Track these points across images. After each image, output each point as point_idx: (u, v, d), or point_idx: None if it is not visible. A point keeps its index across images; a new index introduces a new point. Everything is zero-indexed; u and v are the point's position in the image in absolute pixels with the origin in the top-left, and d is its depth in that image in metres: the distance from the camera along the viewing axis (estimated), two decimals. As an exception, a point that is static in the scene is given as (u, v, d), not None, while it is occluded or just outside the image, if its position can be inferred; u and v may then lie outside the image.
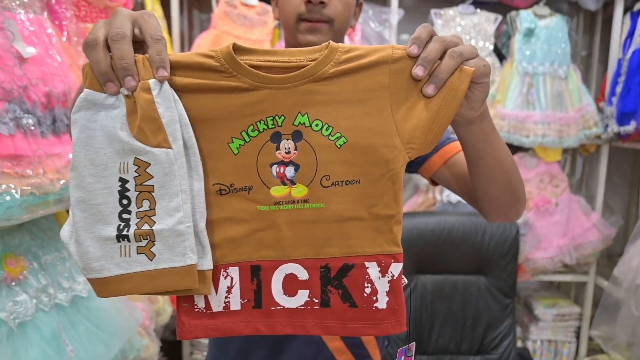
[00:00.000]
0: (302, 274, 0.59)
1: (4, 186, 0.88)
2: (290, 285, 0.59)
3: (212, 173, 0.58)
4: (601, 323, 1.81)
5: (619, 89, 1.95)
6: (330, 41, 0.57)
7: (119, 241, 0.54)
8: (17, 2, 1.02)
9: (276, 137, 0.57)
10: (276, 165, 0.58)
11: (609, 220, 2.20)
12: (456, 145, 0.81)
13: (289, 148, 0.57)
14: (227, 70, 0.56)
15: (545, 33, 2.06)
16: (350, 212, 0.58)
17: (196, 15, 2.47)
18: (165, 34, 1.87)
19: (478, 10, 2.12)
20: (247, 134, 0.57)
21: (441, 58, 0.56)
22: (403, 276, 0.60)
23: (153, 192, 0.54)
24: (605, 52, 2.19)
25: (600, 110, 2.11)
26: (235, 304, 0.59)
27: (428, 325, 1.73)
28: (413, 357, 0.73)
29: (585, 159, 2.45)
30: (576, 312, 2.23)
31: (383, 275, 0.58)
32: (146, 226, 0.54)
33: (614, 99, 1.98)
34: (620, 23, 2.05)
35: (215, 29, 2.05)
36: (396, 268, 0.58)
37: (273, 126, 0.57)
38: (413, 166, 0.84)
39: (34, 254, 1.08)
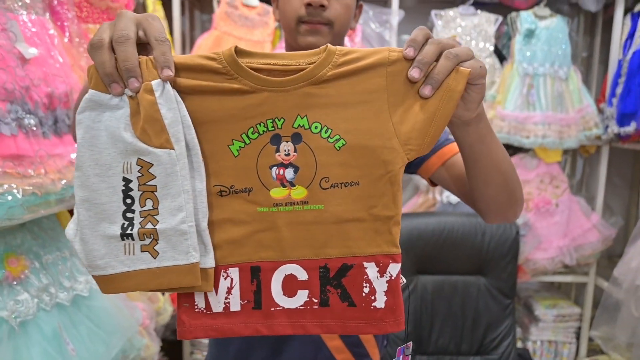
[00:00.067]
0: (302, 275, 0.59)
1: (5, 186, 0.88)
2: (290, 285, 0.60)
3: (212, 175, 0.58)
4: (601, 324, 1.81)
5: (619, 90, 1.95)
6: (328, 44, 0.58)
7: (123, 239, 0.55)
8: (20, 3, 1.02)
9: (276, 140, 0.58)
10: (276, 167, 0.58)
11: (609, 221, 2.20)
12: (454, 146, 0.82)
13: (289, 150, 0.58)
14: (228, 73, 0.56)
15: (546, 34, 2.06)
16: (349, 213, 0.58)
17: (197, 16, 2.48)
18: (167, 35, 1.88)
19: (478, 11, 2.13)
20: (247, 136, 0.58)
21: (437, 60, 0.56)
22: (402, 276, 0.61)
23: (156, 192, 0.55)
24: (605, 53, 2.19)
25: (600, 111, 2.12)
26: (235, 305, 0.60)
27: (428, 325, 1.73)
28: (411, 357, 0.73)
29: (586, 160, 2.46)
30: (576, 313, 2.23)
31: (381, 276, 0.59)
32: (149, 225, 0.55)
33: (614, 100, 1.98)
34: (620, 24, 2.05)
35: (216, 29, 2.06)
36: (394, 268, 0.59)
37: (273, 128, 0.58)
38: (412, 167, 0.85)
39: (36, 253, 1.08)
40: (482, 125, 0.65)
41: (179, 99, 0.55)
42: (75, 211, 0.56)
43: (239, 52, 0.57)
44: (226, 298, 0.59)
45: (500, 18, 2.12)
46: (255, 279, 0.59)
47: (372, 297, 0.59)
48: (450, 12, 2.13)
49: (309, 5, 0.80)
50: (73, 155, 1.09)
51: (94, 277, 0.57)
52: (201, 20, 2.49)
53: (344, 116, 0.57)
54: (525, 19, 2.06)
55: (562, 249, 2.11)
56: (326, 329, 0.60)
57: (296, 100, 0.57)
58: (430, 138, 0.58)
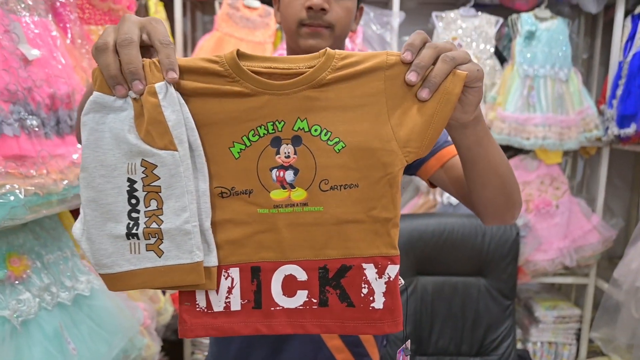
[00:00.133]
0: (301, 275, 0.60)
1: (8, 186, 0.89)
2: (290, 286, 0.60)
3: (214, 176, 0.59)
4: (601, 325, 1.81)
5: (619, 92, 1.95)
6: (327, 48, 0.59)
7: (128, 239, 0.57)
8: (22, 5, 1.03)
9: (276, 142, 0.59)
10: (276, 169, 0.59)
11: (609, 222, 2.20)
12: (453, 148, 0.82)
13: (289, 152, 0.59)
14: (230, 76, 0.57)
15: (546, 36, 2.06)
16: (349, 215, 0.59)
17: (199, 18, 2.49)
18: (169, 33, 1.88)
19: (479, 12, 2.13)
20: (248, 139, 0.59)
21: (435, 63, 0.57)
22: (400, 278, 0.62)
23: (160, 192, 0.56)
24: (606, 55, 2.19)
25: (601, 112, 2.12)
26: (236, 305, 0.60)
27: (428, 326, 1.73)
28: (410, 357, 0.74)
29: (586, 162, 2.46)
30: (576, 314, 2.23)
31: (380, 277, 0.60)
32: (154, 225, 0.56)
33: (615, 102, 1.98)
34: (621, 26, 2.05)
35: (218, 31, 2.06)
36: (393, 270, 0.60)
37: (273, 131, 0.58)
38: (411, 169, 0.85)
39: (37, 253, 1.09)
40: (480, 128, 0.65)
41: (182, 101, 0.56)
42: (81, 211, 0.57)
43: (240, 55, 0.58)
44: (227, 297, 0.60)
45: (501, 20, 2.13)
46: (256, 279, 0.60)
47: (371, 298, 0.60)
48: (451, 14, 2.13)
49: (309, 8, 0.81)
50: (75, 156, 1.10)
51: (101, 275, 0.58)
52: (203, 22, 2.50)
53: (343, 119, 0.58)
54: (525, 20, 2.07)
55: (562, 251, 2.11)
56: (325, 329, 0.61)
57: (296, 103, 0.58)
58: (429, 140, 0.58)
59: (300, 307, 0.61)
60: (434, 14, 2.14)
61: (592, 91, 2.35)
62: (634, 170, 2.51)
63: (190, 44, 2.34)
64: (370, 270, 0.60)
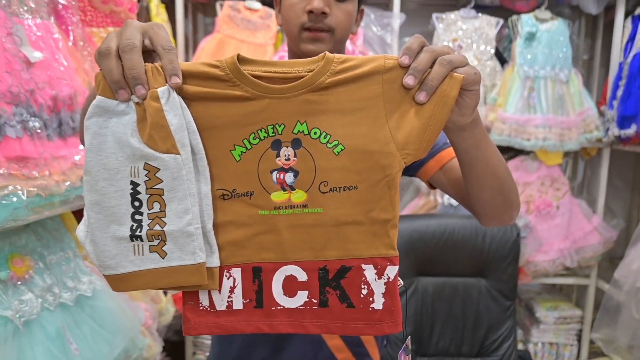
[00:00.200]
0: (302, 276, 0.61)
1: (10, 187, 0.90)
2: (290, 286, 0.61)
3: (215, 179, 0.60)
4: (602, 326, 1.82)
5: (619, 93, 1.95)
6: (326, 52, 0.59)
7: (132, 240, 0.57)
8: (25, 8, 1.04)
9: (276, 145, 0.59)
10: (276, 171, 0.60)
11: (610, 223, 2.20)
12: (452, 150, 0.83)
13: (289, 155, 0.60)
14: (231, 80, 0.58)
15: (547, 37, 2.06)
16: (348, 216, 0.60)
17: (200, 19, 2.50)
18: (170, 38, 1.89)
19: (479, 14, 2.13)
20: (249, 142, 0.60)
21: (432, 67, 0.57)
22: (400, 279, 0.62)
23: (163, 195, 0.57)
24: (607, 56, 2.19)
25: (601, 113, 2.12)
26: (238, 304, 0.62)
27: (429, 327, 1.74)
28: (411, 356, 0.74)
29: (587, 162, 2.46)
30: (578, 315, 2.23)
31: (379, 278, 0.60)
32: (157, 227, 0.57)
33: (615, 103, 1.99)
34: (621, 27, 2.05)
35: (219, 32, 2.07)
36: (392, 270, 0.60)
37: (273, 134, 0.59)
38: (411, 170, 0.86)
39: (40, 254, 1.09)
40: (477, 130, 0.66)
41: (184, 105, 0.57)
42: (85, 214, 0.58)
43: (241, 59, 0.59)
44: (229, 297, 0.61)
45: (501, 21, 2.13)
46: (257, 279, 0.61)
47: (371, 299, 0.60)
48: (452, 15, 2.13)
49: (310, 12, 0.81)
50: (77, 157, 1.11)
51: (105, 276, 0.59)
52: (204, 24, 2.51)
53: (342, 122, 0.59)
54: (526, 22, 2.07)
55: (563, 251, 2.11)
56: (325, 329, 0.62)
57: (296, 107, 0.59)
58: (426, 143, 0.59)
59: (301, 307, 0.61)
60: (434, 15, 2.14)
61: (593, 92, 2.35)
62: (635, 171, 2.51)
63: (191, 46, 2.34)
64: (369, 271, 0.60)
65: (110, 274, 0.59)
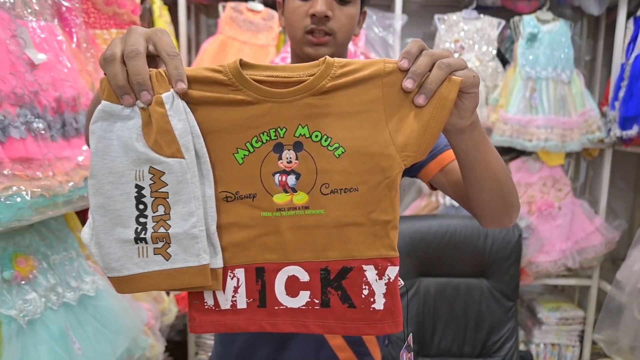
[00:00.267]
0: (304, 276, 0.62)
1: (15, 188, 0.90)
2: (293, 286, 0.62)
3: (219, 181, 0.61)
4: (604, 327, 1.81)
5: (621, 94, 1.95)
6: (327, 56, 0.60)
7: (137, 243, 0.58)
8: (29, 10, 1.05)
9: (278, 148, 0.60)
10: (278, 174, 0.61)
11: (612, 224, 2.20)
12: (453, 152, 0.83)
13: (291, 158, 0.61)
14: (233, 84, 0.59)
15: (549, 38, 2.06)
16: (349, 218, 0.61)
17: (203, 21, 2.50)
18: (173, 39, 1.90)
19: (481, 15, 2.13)
20: (251, 145, 0.61)
21: (431, 70, 0.58)
22: (400, 279, 0.63)
23: (168, 198, 0.58)
24: (609, 57, 2.19)
25: (603, 114, 2.12)
26: (242, 303, 0.63)
27: (430, 327, 1.74)
28: (413, 353, 0.75)
29: (589, 163, 2.45)
30: (580, 316, 2.22)
31: (380, 278, 0.61)
32: (162, 229, 0.58)
33: (617, 104, 1.98)
34: (623, 28, 2.05)
35: (221, 34, 2.08)
36: (392, 271, 0.61)
37: (275, 137, 0.60)
38: (412, 171, 0.86)
39: (43, 253, 1.10)
40: (477, 133, 0.67)
41: (188, 110, 0.58)
42: (90, 217, 0.59)
43: (243, 64, 0.60)
44: (233, 296, 0.63)
45: (503, 22, 2.13)
46: (260, 279, 0.62)
47: (372, 299, 0.61)
48: (453, 16, 2.13)
49: (313, 15, 0.82)
50: (80, 158, 1.12)
51: (110, 278, 0.60)
52: (207, 25, 2.52)
53: (342, 125, 0.60)
54: (527, 22, 2.07)
55: (565, 252, 2.11)
56: (327, 329, 0.63)
57: (297, 111, 0.60)
58: (425, 145, 0.60)
59: (303, 307, 0.62)
60: (436, 16, 2.14)
61: (595, 93, 2.35)
62: (637, 172, 2.51)
63: (194, 47, 2.35)
64: (370, 272, 0.61)
65: (115, 276, 0.60)
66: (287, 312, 0.63)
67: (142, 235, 0.58)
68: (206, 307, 0.63)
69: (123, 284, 0.60)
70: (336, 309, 0.62)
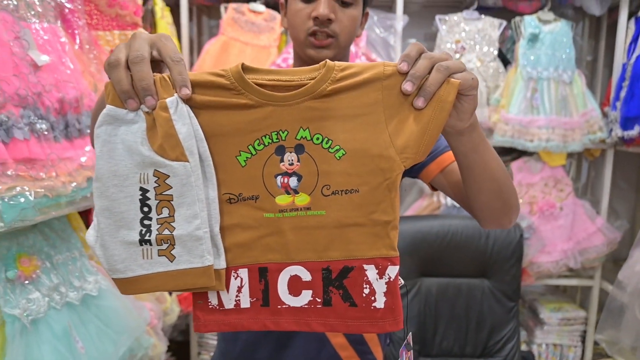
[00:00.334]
0: (306, 276, 0.63)
1: (18, 188, 0.91)
2: (295, 285, 0.63)
3: (222, 183, 0.62)
4: (606, 327, 1.81)
5: (623, 94, 1.95)
6: (327, 60, 0.61)
7: (141, 245, 0.59)
8: (32, 12, 1.06)
9: (280, 150, 0.61)
10: (280, 176, 0.62)
11: (614, 224, 2.20)
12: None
13: (292, 160, 0.62)
14: (236, 88, 0.60)
15: (550, 38, 2.07)
16: (350, 219, 0.62)
17: (205, 22, 2.51)
18: (175, 40, 1.91)
19: (482, 15, 2.13)
20: (254, 148, 0.61)
21: (430, 73, 0.59)
22: (400, 278, 0.64)
23: (172, 200, 0.59)
24: (610, 57, 2.19)
25: (605, 114, 2.12)
26: (245, 302, 0.64)
27: (432, 327, 1.74)
28: (413, 352, 0.76)
29: (591, 164, 2.45)
30: (582, 316, 2.22)
31: (380, 277, 0.62)
32: (166, 231, 0.59)
33: (618, 104, 1.98)
34: (624, 28, 2.04)
35: (223, 35, 2.09)
36: (393, 270, 0.62)
37: (277, 140, 0.61)
38: (413, 172, 0.87)
39: (47, 253, 1.11)
40: (476, 135, 0.67)
41: (192, 114, 0.59)
42: (94, 219, 0.60)
43: (245, 68, 0.61)
44: (237, 296, 0.64)
45: (504, 22, 2.13)
46: (263, 279, 0.63)
47: (372, 298, 0.62)
48: (455, 17, 2.14)
49: (316, 18, 0.83)
50: (83, 159, 1.12)
51: (114, 279, 0.61)
52: (209, 26, 2.53)
53: (343, 128, 0.61)
54: (529, 23, 2.07)
55: (566, 253, 2.11)
56: (329, 328, 0.63)
57: (299, 114, 0.61)
58: (425, 147, 0.61)
59: (305, 306, 0.63)
60: (437, 17, 2.15)
61: (597, 93, 2.35)
62: (639, 172, 2.50)
63: (196, 48, 2.36)
64: (371, 271, 0.62)
65: (120, 277, 0.60)
66: (289, 311, 0.63)
67: (146, 237, 0.59)
68: (210, 306, 0.64)
69: (127, 285, 0.61)
70: (338, 307, 0.63)
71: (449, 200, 2.12)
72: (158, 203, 0.59)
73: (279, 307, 0.63)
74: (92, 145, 0.61)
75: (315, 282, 0.63)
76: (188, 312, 1.97)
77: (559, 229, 2.12)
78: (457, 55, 2.12)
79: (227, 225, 0.62)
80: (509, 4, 2.20)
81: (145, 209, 0.59)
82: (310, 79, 0.61)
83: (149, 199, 0.59)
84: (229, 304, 0.64)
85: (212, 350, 2.20)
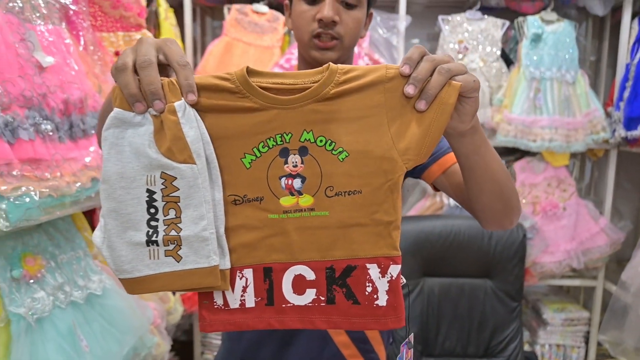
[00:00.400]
0: (310, 275, 0.64)
1: (23, 188, 0.92)
2: (299, 284, 0.64)
3: (227, 185, 0.63)
4: (609, 328, 1.81)
5: (626, 94, 1.95)
6: (330, 63, 0.62)
7: (148, 245, 0.60)
8: (37, 14, 1.06)
9: (284, 153, 0.62)
10: (285, 177, 0.63)
11: (617, 224, 2.19)
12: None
13: (296, 162, 0.62)
14: (240, 92, 0.61)
15: (553, 38, 2.06)
16: (353, 219, 0.62)
17: (208, 23, 2.52)
18: (179, 42, 1.91)
19: (485, 16, 2.13)
20: (258, 150, 0.62)
21: (432, 76, 0.59)
22: (402, 277, 0.65)
23: (179, 202, 0.59)
24: (614, 57, 2.19)
25: (608, 115, 2.11)
26: (250, 302, 0.65)
27: (435, 327, 1.74)
28: (413, 351, 0.76)
29: (594, 164, 2.45)
30: (585, 317, 2.22)
31: (383, 276, 0.63)
32: (173, 232, 0.60)
33: (622, 104, 1.98)
34: (628, 28, 2.04)
35: (227, 35, 2.09)
36: (395, 269, 0.63)
37: (281, 143, 0.62)
38: (415, 173, 0.88)
39: (51, 253, 1.12)
40: (477, 136, 0.68)
41: (198, 117, 0.59)
42: (101, 220, 0.60)
43: (250, 72, 0.62)
44: (242, 296, 0.64)
45: (507, 23, 2.13)
46: (268, 278, 0.64)
47: (375, 296, 0.63)
48: (457, 17, 2.14)
49: (320, 20, 0.83)
50: (87, 159, 1.13)
51: (121, 279, 0.62)
52: (212, 27, 2.54)
53: (346, 130, 0.61)
54: (532, 23, 2.07)
55: (569, 253, 2.10)
56: (333, 325, 0.64)
57: (302, 117, 0.61)
58: (426, 148, 0.61)
59: (310, 305, 0.64)
60: (440, 17, 2.15)
61: (600, 93, 2.35)
62: (643, 173, 2.50)
63: (199, 49, 2.37)
64: (373, 270, 0.63)
65: (127, 277, 0.61)
66: (294, 310, 0.64)
67: (153, 238, 0.60)
68: (216, 306, 0.65)
69: (134, 285, 0.62)
70: (341, 305, 0.63)
71: (452, 201, 2.12)
72: (165, 204, 0.60)
73: (284, 305, 0.64)
74: (100, 147, 0.62)
75: (319, 281, 0.63)
76: (191, 311, 1.98)
77: (562, 229, 2.12)
78: (460, 56, 2.12)
79: (232, 226, 0.63)
80: (511, 4, 2.20)
81: (152, 210, 0.60)
82: (313, 82, 0.61)
83: (155, 200, 0.60)
84: (234, 303, 0.64)
85: (215, 349, 2.21)
